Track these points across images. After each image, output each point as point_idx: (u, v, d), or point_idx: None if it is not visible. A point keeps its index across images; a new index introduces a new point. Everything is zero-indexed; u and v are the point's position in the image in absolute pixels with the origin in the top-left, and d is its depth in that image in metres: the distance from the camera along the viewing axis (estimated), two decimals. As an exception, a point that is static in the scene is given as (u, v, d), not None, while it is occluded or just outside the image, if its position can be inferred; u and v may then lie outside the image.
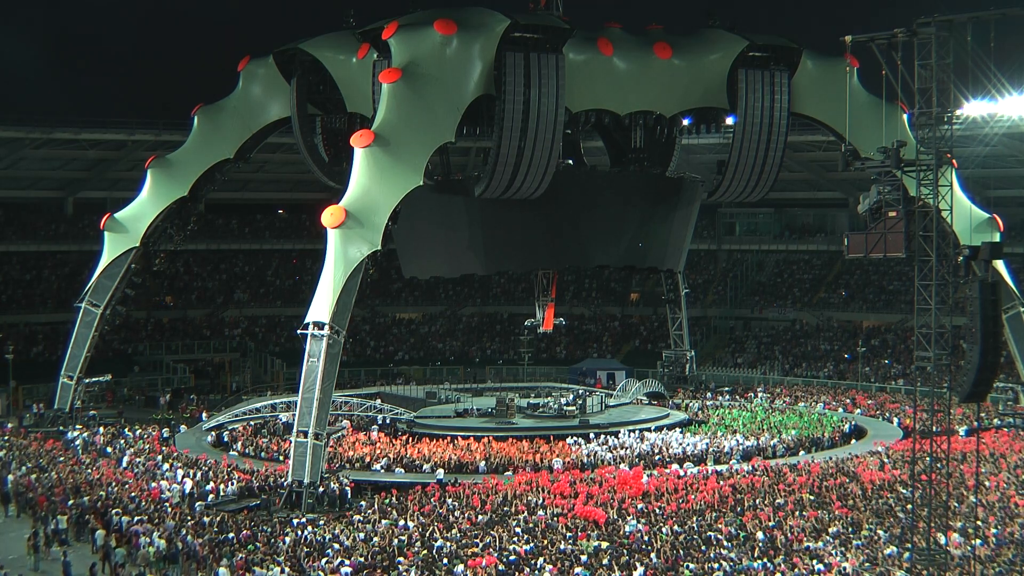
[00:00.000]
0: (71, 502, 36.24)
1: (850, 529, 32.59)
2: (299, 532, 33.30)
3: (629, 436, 48.96)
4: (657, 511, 35.25)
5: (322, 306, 39.79)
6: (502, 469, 42.74)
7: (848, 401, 60.02)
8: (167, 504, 36.38)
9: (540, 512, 35.27)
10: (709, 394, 63.99)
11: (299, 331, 40.55)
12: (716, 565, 28.96)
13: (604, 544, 31.20)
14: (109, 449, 46.53)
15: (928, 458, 27.26)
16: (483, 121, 47.61)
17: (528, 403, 55.15)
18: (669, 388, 63.93)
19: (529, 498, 37.17)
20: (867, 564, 28.88)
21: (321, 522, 35.02)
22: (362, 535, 32.63)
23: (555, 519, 34.28)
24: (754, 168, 51.20)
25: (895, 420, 54.00)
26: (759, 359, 72.93)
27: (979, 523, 31.97)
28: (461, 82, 44.94)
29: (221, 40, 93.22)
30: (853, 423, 52.83)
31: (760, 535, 31.90)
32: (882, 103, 38.76)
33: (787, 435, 48.98)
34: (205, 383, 69.40)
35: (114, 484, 38.90)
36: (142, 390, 65.87)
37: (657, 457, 44.93)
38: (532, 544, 31.15)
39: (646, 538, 31.93)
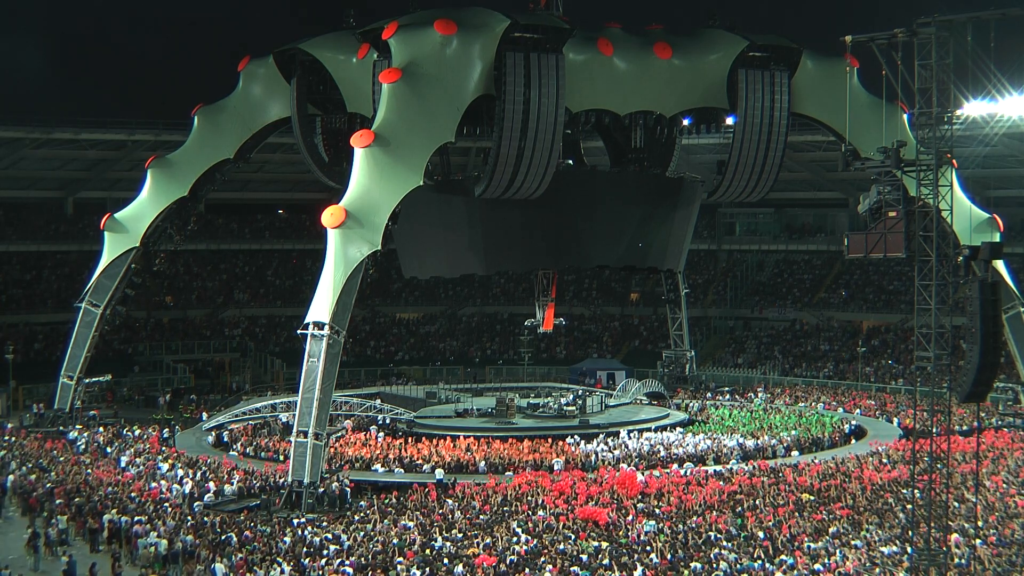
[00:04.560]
0: (74, 500, 36.22)
1: (850, 529, 32.60)
2: (299, 532, 33.31)
3: (629, 436, 48.96)
4: (657, 511, 35.27)
5: (322, 306, 39.79)
6: (502, 469, 42.75)
7: (848, 401, 60.01)
8: (167, 504, 36.37)
9: (540, 512, 35.28)
10: (709, 394, 63.99)
11: (299, 331, 40.56)
12: (716, 565, 28.97)
13: (604, 544, 31.22)
14: (109, 449, 46.53)
15: (928, 458, 27.26)
16: (483, 121, 47.66)
17: (528, 403, 55.14)
18: (669, 388, 63.90)
19: (529, 498, 37.18)
20: (867, 564, 28.89)
21: (321, 523, 35.02)
22: (362, 535, 32.64)
23: (555, 519, 34.29)
24: (754, 168, 51.21)
25: (895, 420, 54.01)
26: (759, 359, 72.92)
27: (979, 523, 31.99)
28: (461, 82, 44.95)
29: (221, 40, 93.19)
30: (853, 423, 52.83)
31: (760, 535, 31.91)
32: (882, 103, 38.74)
33: (787, 435, 48.99)
34: (205, 383, 69.36)
35: (114, 484, 38.90)
36: (142, 390, 65.80)
37: (657, 457, 44.93)
38: (532, 544, 31.16)
39: (645, 538, 31.96)
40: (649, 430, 50.30)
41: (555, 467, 42.79)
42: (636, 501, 36.72)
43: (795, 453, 46.51)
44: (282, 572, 29.10)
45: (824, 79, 50.92)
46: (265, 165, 77.13)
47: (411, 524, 33.89)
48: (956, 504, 33.45)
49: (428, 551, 30.72)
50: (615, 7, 71.72)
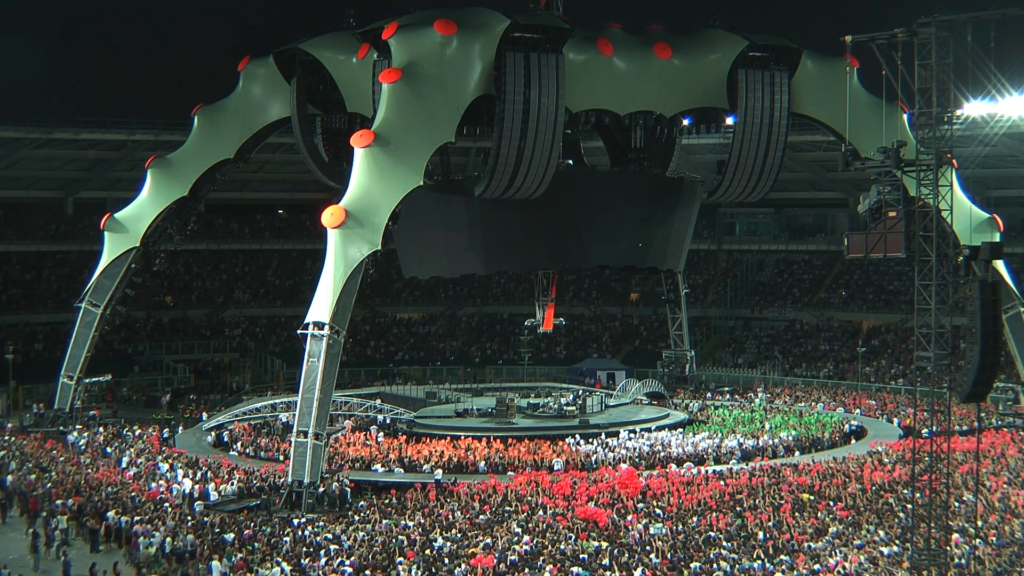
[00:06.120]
0: (70, 502, 36.25)
1: (850, 529, 32.60)
2: (299, 532, 33.31)
3: (629, 436, 48.96)
4: (658, 511, 35.27)
5: (322, 306, 39.79)
6: (502, 469, 42.74)
7: (848, 400, 59.99)
8: (167, 504, 36.38)
9: (540, 512, 35.28)
10: (709, 394, 63.98)
11: (299, 331, 40.56)
12: (716, 565, 28.97)
13: (604, 544, 31.22)
14: (109, 449, 46.54)
15: (928, 458, 27.26)
16: (483, 121, 47.62)
17: (528, 403, 55.12)
18: (669, 388, 63.90)
19: (529, 498, 37.18)
20: (867, 564, 28.89)
21: (321, 522, 35.02)
22: (362, 535, 32.65)
23: (555, 519, 34.28)
24: (754, 168, 51.19)
25: (895, 420, 54.02)
26: (759, 359, 72.93)
27: (980, 523, 32.00)
28: (461, 82, 44.94)
29: (221, 40, 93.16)
30: (853, 423, 52.82)
31: (760, 535, 31.92)
32: (882, 103, 38.73)
33: (787, 435, 48.99)
34: (205, 383, 69.36)
35: (114, 484, 38.91)
36: (142, 390, 65.83)
37: (657, 457, 44.91)
38: (532, 544, 31.16)
39: (647, 538, 31.97)
40: (649, 430, 50.29)
41: (555, 467, 42.80)
42: (636, 501, 36.72)
43: (796, 453, 46.51)
44: (282, 572, 29.10)
45: (824, 79, 50.90)
46: (265, 165, 77.11)
47: (411, 524, 33.91)
48: (956, 504, 33.45)
49: (428, 551, 30.73)
50: (615, 7, 71.83)
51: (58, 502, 36.33)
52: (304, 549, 31.07)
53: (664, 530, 32.77)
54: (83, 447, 47.26)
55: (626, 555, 29.98)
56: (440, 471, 42.15)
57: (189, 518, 34.60)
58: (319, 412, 38.97)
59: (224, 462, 43.52)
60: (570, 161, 54.84)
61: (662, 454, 45.43)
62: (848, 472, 40.49)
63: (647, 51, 49.56)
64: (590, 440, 47.65)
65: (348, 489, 39.17)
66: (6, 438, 48.76)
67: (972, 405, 37.83)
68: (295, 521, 35.20)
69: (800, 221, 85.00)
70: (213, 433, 50.71)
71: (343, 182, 43.82)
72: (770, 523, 33.24)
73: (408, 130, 43.22)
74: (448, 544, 31.41)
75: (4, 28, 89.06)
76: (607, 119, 52.35)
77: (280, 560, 29.87)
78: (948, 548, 28.23)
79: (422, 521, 34.38)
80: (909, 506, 31.57)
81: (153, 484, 39.22)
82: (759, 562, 29.20)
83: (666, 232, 55.00)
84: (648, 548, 30.69)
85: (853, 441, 49.70)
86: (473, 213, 49.13)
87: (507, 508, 35.97)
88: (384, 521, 34.52)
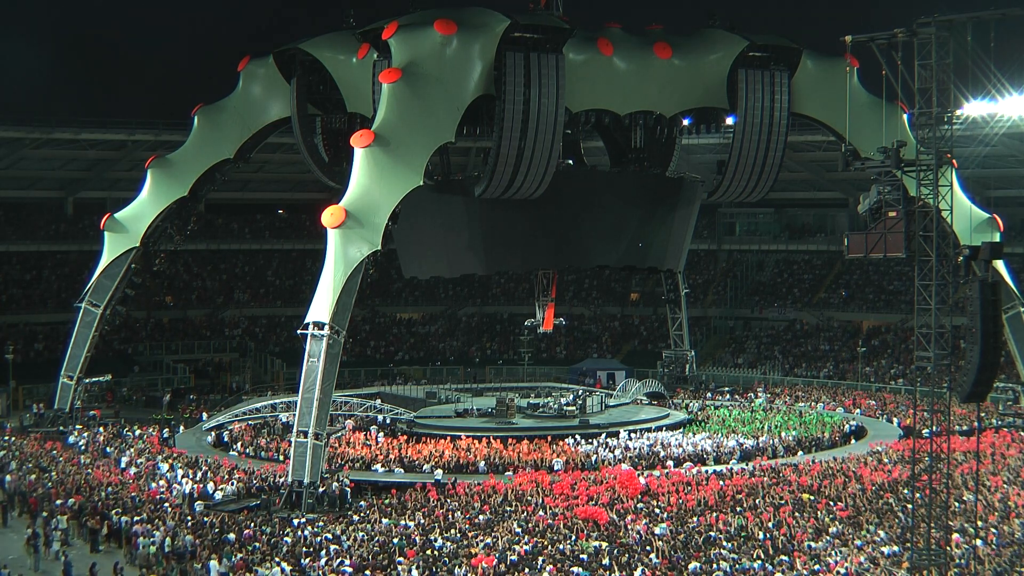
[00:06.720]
0: (70, 502, 36.25)
1: (850, 529, 32.60)
2: (299, 532, 33.31)
3: (629, 436, 48.95)
4: (657, 511, 35.27)
5: (322, 306, 39.80)
6: (502, 469, 42.74)
7: (848, 400, 59.99)
8: (167, 504, 36.38)
9: (540, 512, 35.28)
10: (709, 394, 63.98)
11: (299, 331, 40.57)
12: (716, 565, 28.97)
13: (604, 544, 31.22)
14: (109, 449, 46.54)
15: (928, 458, 27.25)
16: (483, 121, 47.64)
17: (528, 403, 55.12)
18: (669, 388, 63.89)
19: (529, 498, 37.17)
20: (868, 564, 28.88)
21: (321, 522, 35.03)
22: (362, 535, 32.65)
23: (555, 519, 34.28)
24: (754, 168, 51.21)
25: (895, 420, 54.02)
26: (759, 359, 72.92)
27: (980, 523, 31.99)
28: (461, 82, 44.96)
29: (221, 40, 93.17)
30: (853, 423, 52.82)
31: (760, 535, 31.92)
32: (882, 103, 38.75)
33: (787, 435, 48.99)
34: (205, 383, 69.37)
35: (114, 484, 38.89)
36: (142, 390, 65.83)
37: (657, 457, 44.90)
38: (532, 544, 31.16)
39: (648, 537, 31.97)
40: (649, 430, 50.29)
41: (555, 467, 42.80)
42: (637, 501, 36.72)
43: (797, 453, 46.49)
44: (282, 572, 29.10)
45: (824, 79, 50.91)
46: (265, 165, 77.11)
47: (411, 524, 33.91)
48: (956, 504, 33.45)
49: (428, 551, 30.73)
50: (615, 7, 71.91)
51: (58, 502, 36.36)
52: (304, 549, 31.09)
53: (666, 530, 32.80)
54: (83, 447, 47.26)
55: (626, 555, 29.98)
56: (440, 471, 42.16)
57: (189, 518, 34.61)
58: (319, 412, 38.98)
59: (224, 462, 43.51)
60: (570, 161, 54.85)
61: (662, 454, 45.43)
62: (848, 472, 40.49)
63: (647, 51, 49.59)
64: (590, 440, 47.66)
65: (348, 489, 39.19)
66: (6, 438, 48.75)
67: (972, 405, 37.80)
68: (295, 521, 35.21)
69: (800, 221, 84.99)
70: (213, 433, 50.70)
71: (343, 182, 43.83)
72: (770, 523, 33.23)
73: (408, 130, 43.24)
74: (448, 544, 31.42)
75: (4, 28, 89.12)
76: (607, 119, 52.37)
77: (280, 560, 29.86)
78: (948, 548, 28.22)
79: (422, 521, 34.39)
80: (909, 506, 31.56)
81: (153, 484, 39.22)
82: (759, 562, 29.21)
83: (666, 232, 55.01)
84: (648, 548, 30.70)
85: (853, 441, 49.70)
86: (473, 213, 49.13)
87: (507, 508, 35.98)
88: (384, 521, 34.54)
